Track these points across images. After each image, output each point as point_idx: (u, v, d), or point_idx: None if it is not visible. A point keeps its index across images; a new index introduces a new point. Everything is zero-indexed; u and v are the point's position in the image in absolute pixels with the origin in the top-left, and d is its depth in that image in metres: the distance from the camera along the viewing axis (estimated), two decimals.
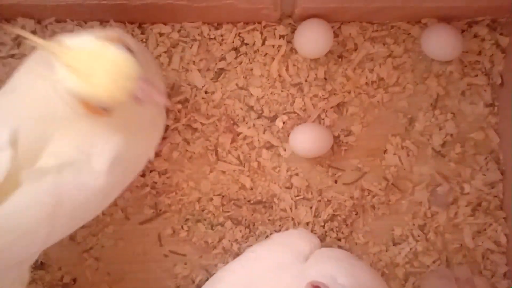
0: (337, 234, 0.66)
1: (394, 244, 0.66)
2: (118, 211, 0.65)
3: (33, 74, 0.47)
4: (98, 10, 0.61)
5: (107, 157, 0.48)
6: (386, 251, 0.66)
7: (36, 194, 0.47)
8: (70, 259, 0.65)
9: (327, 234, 0.66)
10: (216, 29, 0.66)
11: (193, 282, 0.66)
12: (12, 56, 0.64)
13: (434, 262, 0.66)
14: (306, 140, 0.63)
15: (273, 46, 0.66)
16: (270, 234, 0.65)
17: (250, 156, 0.66)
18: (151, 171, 0.65)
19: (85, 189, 0.48)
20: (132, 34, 0.65)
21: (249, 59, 0.66)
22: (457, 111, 0.67)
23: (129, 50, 0.44)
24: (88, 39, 0.43)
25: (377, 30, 0.67)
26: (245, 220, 0.66)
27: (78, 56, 0.42)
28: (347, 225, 0.66)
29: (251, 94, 0.66)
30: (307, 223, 0.65)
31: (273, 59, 0.66)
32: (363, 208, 0.66)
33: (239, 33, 0.66)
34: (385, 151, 0.67)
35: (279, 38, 0.66)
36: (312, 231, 0.65)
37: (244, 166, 0.66)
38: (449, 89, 0.67)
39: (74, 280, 0.65)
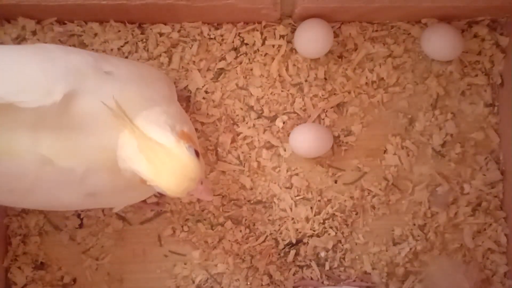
0: (336, 234, 0.66)
1: (394, 244, 0.66)
2: (118, 211, 0.65)
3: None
4: (98, 10, 0.61)
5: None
6: (386, 251, 0.66)
7: None
8: (70, 259, 0.65)
9: (326, 231, 0.66)
10: (216, 29, 0.66)
11: (193, 282, 0.66)
12: None
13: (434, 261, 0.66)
14: (306, 140, 0.63)
15: (273, 46, 0.66)
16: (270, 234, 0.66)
17: (250, 156, 0.66)
18: None
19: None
20: (132, 34, 0.65)
21: (249, 59, 0.66)
22: (457, 111, 0.67)
23: (197, 152, 0.49)
24: (167, 135, 0.48)
25: (377, 30, 0.67)
26: (245, 220, 0.66)
27: (155, 148, 0.48)
28: (347, 225, 0.66)
29: (251, 94, 0.66)
30: (307, 220, 0.66)
31: (273, 59, 0.66)
32: (363, 208, 0.66)
33: (239, 33, 0.66)
34: (385, 151, 0.67)
35: (279, 38, 0.66)
36: (311, 228, 0.66)
37: (244, 166, 0.66)
38: (449, 89, 0.67)
39: (74, 280, 0.65)
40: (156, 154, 0.48)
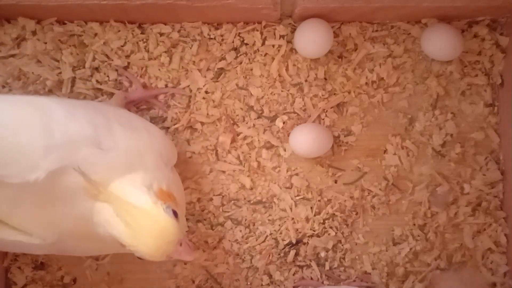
0: (336, 234, 0.66)
1: (394, 244, 0.66)
2: None
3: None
4: (98, 10, 0.61)
5: None
6: (386, 251, 0.66)
7: None
8: (70, 259, 0.65)
9: (326, 231, 0.66)
10: (216, 29, 0.66)
11: (193, 282, 0.66)
12: (12, 56, 0.64)
13: (435, 260, 0.66)
14: (306, 140, 0.63)
15: (273, 46, 0.66)
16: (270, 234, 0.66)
17: (250, 156, 0.66)
18: None
19: None
20: (132, 34, 0.65)
21: (249, 59, 0.66)
22: (457, 111, 0.67)
23: (175, 212, 0.47)
24: (144, 197, 0.47)
25: (377, 30, 0.67)
26: (245, 220, 0.66)
27: (131, 211, 0.46)
28: (347, 225, 0.66)
29: (251, 94, 0.66)
30: (307, 220, 0.66)
31: (273, 59, 0.66)
32: (363, 208, 0.66)
33: (239, 33, 0.66)
34: (385, 151, 0.67)
35: (279, 38, 0.66)
36: (311, 228, 0.66)
37: (244, 166, 0.66)
38: (449, 89, 0.67)
39: (74, 280, 0.65)
40: (133, 217, 0.46)
